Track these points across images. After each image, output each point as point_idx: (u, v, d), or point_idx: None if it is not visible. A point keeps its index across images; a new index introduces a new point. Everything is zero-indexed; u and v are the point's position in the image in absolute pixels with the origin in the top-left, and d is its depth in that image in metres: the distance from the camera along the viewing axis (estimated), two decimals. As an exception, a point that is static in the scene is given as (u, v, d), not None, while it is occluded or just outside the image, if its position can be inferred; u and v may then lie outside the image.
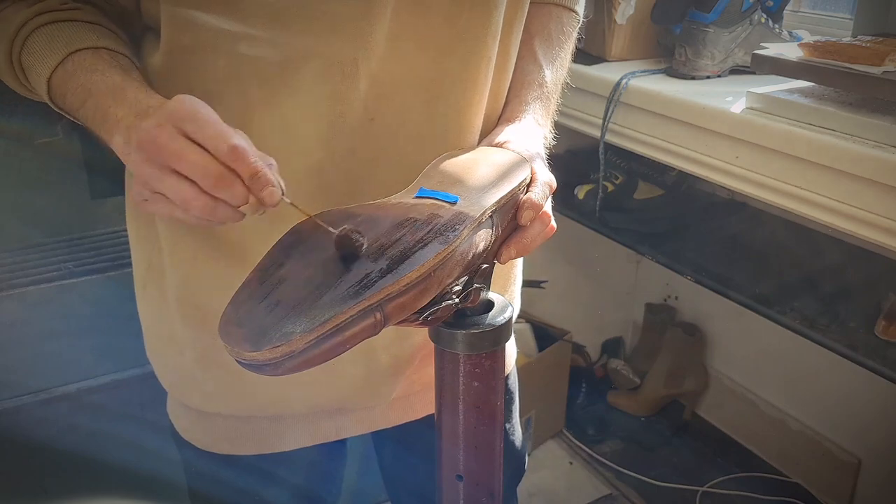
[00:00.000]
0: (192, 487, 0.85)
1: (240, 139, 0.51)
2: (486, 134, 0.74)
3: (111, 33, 0.64)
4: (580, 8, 0.84)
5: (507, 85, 0.75)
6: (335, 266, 0.51)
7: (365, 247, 0.52)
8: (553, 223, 0.65)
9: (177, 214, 0.53)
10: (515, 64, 0.76)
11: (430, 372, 0.82)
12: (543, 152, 0.70)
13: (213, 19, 0.60)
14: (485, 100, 0.71)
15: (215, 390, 0.76)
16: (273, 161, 0.54)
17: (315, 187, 0.66)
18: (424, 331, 0.76)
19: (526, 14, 0.73)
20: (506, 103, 0.76)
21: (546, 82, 0.77)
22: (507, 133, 0.71)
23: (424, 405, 0.86)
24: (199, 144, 0.51)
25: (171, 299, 0.73)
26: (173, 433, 0.83)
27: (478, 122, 0.72)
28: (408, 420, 0.86)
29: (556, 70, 0.79)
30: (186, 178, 0.51)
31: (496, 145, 0.69)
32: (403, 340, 0.78)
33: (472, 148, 0.71)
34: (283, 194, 0.52)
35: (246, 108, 0.63)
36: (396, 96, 0.65)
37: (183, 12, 0.61)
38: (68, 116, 0.63)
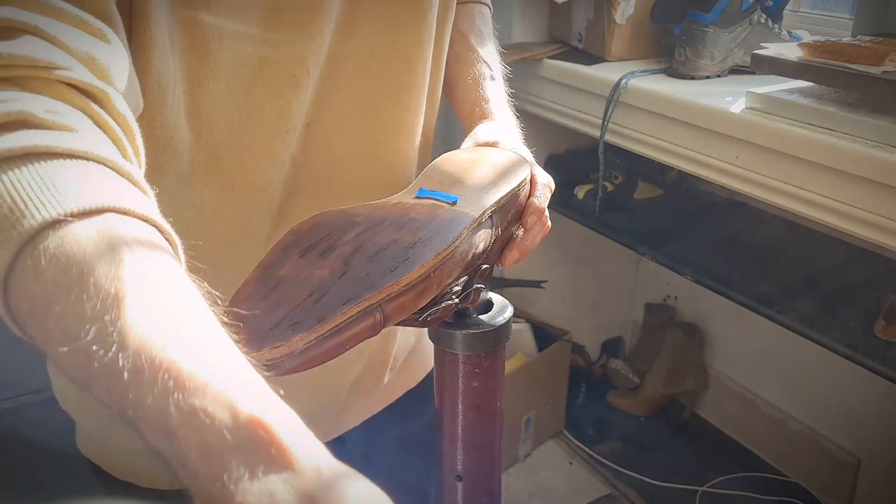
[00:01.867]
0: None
1: None
2: (427, 137, 0.74)
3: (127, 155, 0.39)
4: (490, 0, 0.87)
5: (440, 88, 0.75)
6: (335, 266, 0.51)
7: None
8: (548, 222, 0.65)
9: None
10: (461, 63, 0.77)
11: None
12: (526, 149, 0.71)
13: (182, 11, 0.54)
14: (423, 102, 0.71)
15: None
16: None
17: (258, 191, 0.63)
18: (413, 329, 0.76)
19: (454, 14, 0.73)
20: (466, 100, 0.76)
21: (497, 77, 0.78)
22: (489, 131, 0.71)
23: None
24: None
25: None
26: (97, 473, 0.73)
27: (418, 126, 0.71)
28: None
29: (496, 64, 0.80)
30: None
31: (487, 144, 0.69)
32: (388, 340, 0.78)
33: (419, 153, 0.71)
34: None
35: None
36: (335, 101, 0.64)
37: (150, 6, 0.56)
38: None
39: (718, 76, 1.34)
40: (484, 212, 0.58)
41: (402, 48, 0.66)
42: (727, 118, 1.13)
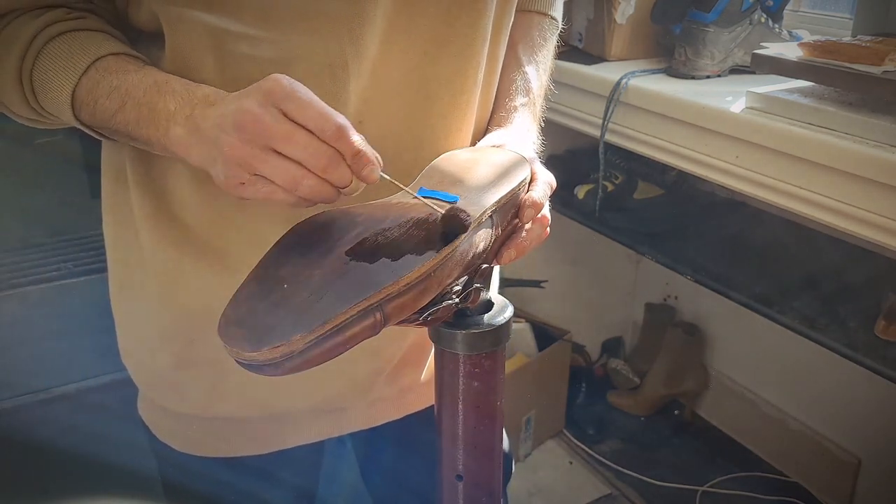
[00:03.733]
0: (166, 485, 0.85)
1: (342, 118, 0.51)
2: (477, 137, 0.74)
3: (121, 39, 0.63)
4: (558, 14, 0.85)
5: (495, 90, 0.76)
6: (335, 266, 0.51)
7: (470, 220, 0.54)
8: (548, 225, 0.65)
9: (277, 196, 0.52)
10: (501, 71, 0.76)
11: (418, 370, 0.83)
12: (536, 155, 0.71)
13: (203, 16, 0.59)
14: (475, 104, 0.71)
15: (193, 392, 0.76)
16: (363, 137, 0.53)
17: None
18: (419, 330, 0.76)
19: (512, 20, 0.73)
20: (494, 109, 0.76)
21: (532, 88, 0.77)
22: (500, 137, 0.71)
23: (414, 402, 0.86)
24: (300, 125, 0.50)
25: (151, 301, 0.72)
26: (148, 436, 0.82)
27: (467, 127, 0.72)
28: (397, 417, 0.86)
29: (541, 76, 0.80)
30: (290, 159, 0.50)
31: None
32: (404, 338, 0.78)
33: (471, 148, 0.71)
34: (381, 171, 0.53)
35: None
36: (386, 99, 0.65)
37: (175, 11, 0.60)
38: (90, 131, 0.62)
39: (719, 76, 1.34)
40: (484, 211, 0.58)
41: (455, 50, 0.66)
42: (727, 118, 1.13)
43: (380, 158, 0.53)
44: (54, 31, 0.59)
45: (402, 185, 0.55)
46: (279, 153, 0.50)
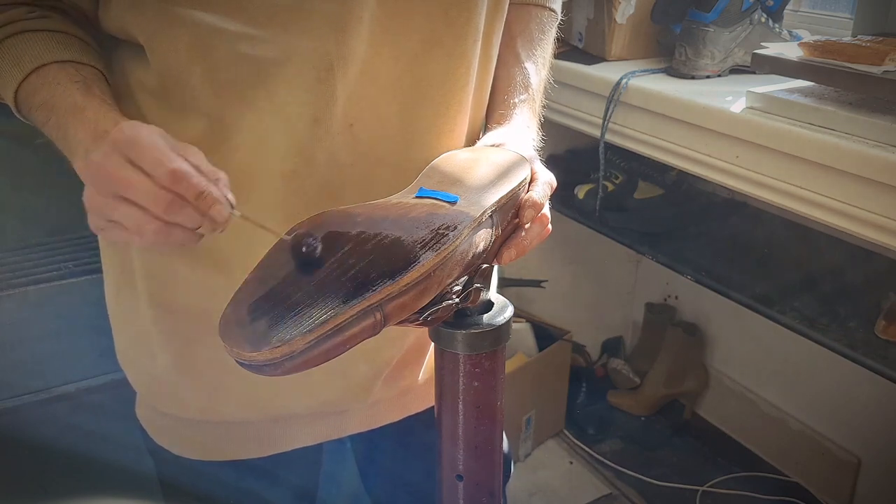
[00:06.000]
0: (165, 486, 0.85)
1: (179, 162, 0.51)
2: (472, 137, 0.74)
3: (80, 42, 0.63)
4: (558, 6, 0.84)
5: (490, 87, 0.75)
6: (335, 266, 0.51)
7: (320, 250, 0.51)
8: (549, 225, 0.65)
9: (134, 240, 0.53)
10: (499, 67, 0.76)
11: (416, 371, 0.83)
12: (536, 155, 0.70)
13: (189, 13, 0.59)
14: (468, 104, 0.71)
15: (189, 395, 0.76)
16: (222, 175, 0.53)
17: (292, 192, 0.65)
18: (419, 330, 0.76)
19: (506, 15, 0.72)
20: (493, 107, 0.76)
21: (531, 84, 0.77)
22: (499, 136, 0.71)
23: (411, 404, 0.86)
24: (143, 170, 0.51)
25: (147, 305, 0.72)
26: (146, 438, 0.82)
27: (460, 128, 0.71)
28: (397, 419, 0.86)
29: (540, 70, 0.79)
30: (137, 204, 0.51)
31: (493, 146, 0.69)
32: (402, 340, 0.78)
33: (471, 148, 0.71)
34: (232, 209, 0.52)
35: (223, 112, 0.63)
36: (377, 101, 0.65)
37: (162, 9, 0.60)
38: None
39: (719, 76, 1.34)
40: (484, 211, 0.58)
41: (446, 50, 0.66)
42: (727, 118, 1.13)
43: (231, 198, 0.53)
44: (7, 31, 0.60)
45: (258, 223, 0.54)
46: (127, 199, 0.51)
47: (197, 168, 0.52)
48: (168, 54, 0.61)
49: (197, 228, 0.53)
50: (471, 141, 0.74)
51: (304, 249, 0.51)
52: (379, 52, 0.63)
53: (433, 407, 0.67)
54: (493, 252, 0.62)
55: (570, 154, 1.75)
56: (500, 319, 0.62)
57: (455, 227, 0.55)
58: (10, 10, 0.61)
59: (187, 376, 0.74)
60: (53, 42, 0.61)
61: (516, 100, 0.75)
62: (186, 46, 0.60)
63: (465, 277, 0.58)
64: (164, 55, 0.62)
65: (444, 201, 0.59)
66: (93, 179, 0.52)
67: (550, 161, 0.71)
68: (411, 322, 0.54)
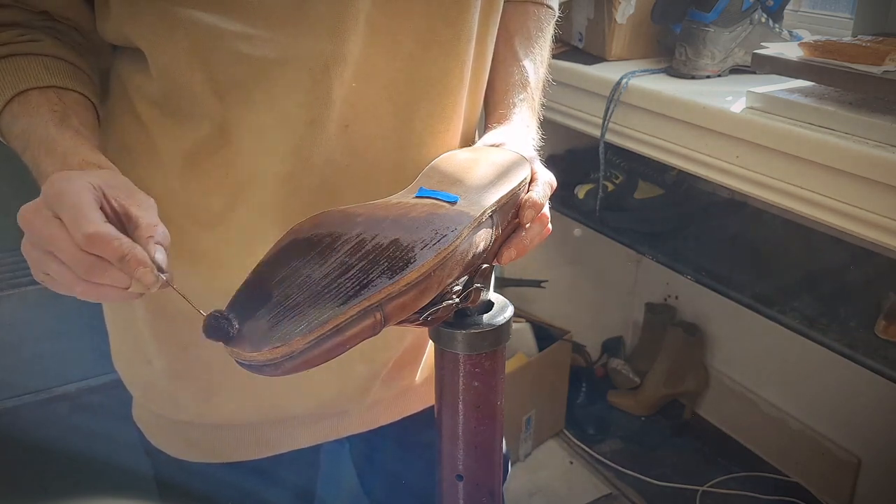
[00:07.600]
0: (163, 487, 0.85)
1: (96, 225, 0.47)
2: (467, 137, 0.74)
3: (68, 66, 0.61)
4: (555, 3, 0.84)
5: (485, 86, 0.75)
6: (335, 266, 0.51)
7: (236, 329, 0.47)
8: (549, 224, 0.65)
9: (72, 294, 0.51)
10: (498, 65, 0.75)
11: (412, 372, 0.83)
12: (536, 154, 0.70)
13: (188, 14, 0.59)
14: (462, 105, 0.71)
15: (188, 399, 0.75)
16: (160, 231, 0.50)
17: (289, 194, 0.65)
18: (417, 331, 0.76)
19: (500, 15, 0.72)
20: (492, 106, 0.76)
21: (529, 82, 0.76)
22: (499, 135, 0.71)
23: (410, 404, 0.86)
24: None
25: (142, 308, 0.72)
26: (143, 440, 0.82)
27: (455, 128, 0.71)
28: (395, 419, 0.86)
29: (538, 68, 0.79)
30: (65, 263, 0.49)
31: (493, 146, 0.69)
32: (400, 340, 0.78)
33: (470, 147, 0.71)
34: (163, 272, 0.49)
35: (224, 114, 0.63)
36: (372, 101, 0.65)
37: (161, 14, 0.60)
38: None
39: (719, 76, 1.34)
40: (484, 211, 0.58)
41: (440, 50, 0.65)
42: (727, 118, 1.13)
43: (160, 258, 0.49)
44: None
45: (185, 298, 0.50)
46: (56, 257, 0.49)
47: (135, 223, 0.50)
48: (169, 58, 0.61)
49: (128, 288, 0.49)
50: (466, 140, 0.74)
51: (217, 325, 0.47)
52: (374, 52, 0.63)
53: (431, 407, 0.67)
54: (494, 252, 0.62)
55: (570, 154, 1.75)
56: (500, 319, 0.62)
57: (455, 227, 0.55)
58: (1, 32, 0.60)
59: (183, 379, 0.74)
60: (40, 67, 0.59)
61: (515, 99, 0.75)
62: (187, 49, 0.60)
63: (465, 277, 0.58)
64: (164, 60, 0.62)
65: (444, 201, 0.59)
66: (26, 231, 0.50)
67: (550, 161, 0.71)
68: (411, 322, 0.54)
